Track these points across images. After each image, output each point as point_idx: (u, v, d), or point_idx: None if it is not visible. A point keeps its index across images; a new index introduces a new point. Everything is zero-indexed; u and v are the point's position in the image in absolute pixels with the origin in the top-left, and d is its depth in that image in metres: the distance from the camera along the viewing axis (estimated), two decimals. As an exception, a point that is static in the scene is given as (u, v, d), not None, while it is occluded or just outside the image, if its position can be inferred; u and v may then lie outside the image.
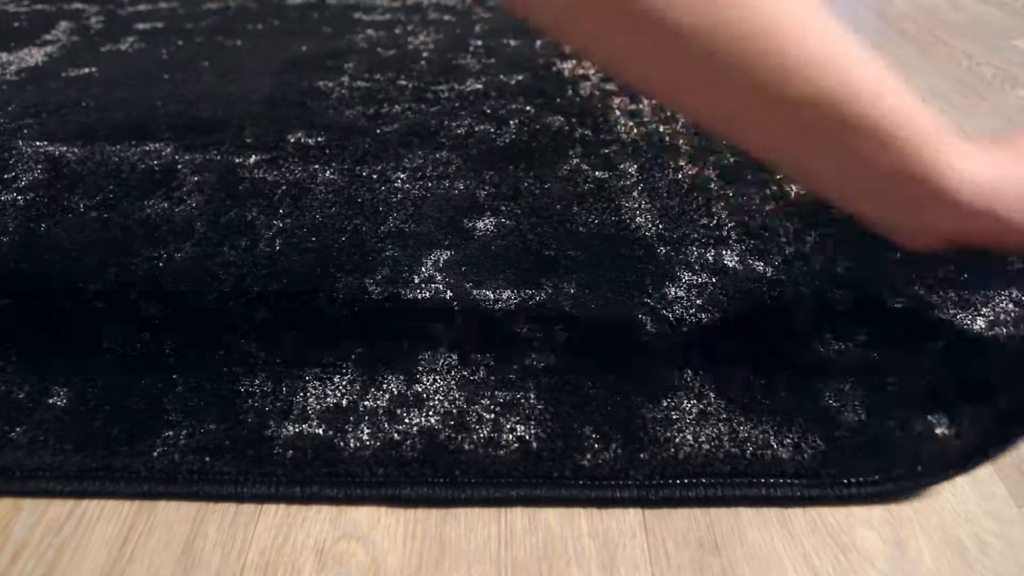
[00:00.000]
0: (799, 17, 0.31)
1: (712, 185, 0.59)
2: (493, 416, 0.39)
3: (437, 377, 0.41)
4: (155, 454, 0.37)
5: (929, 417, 0.39)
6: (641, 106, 0.72)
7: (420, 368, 0.42)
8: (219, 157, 0.62)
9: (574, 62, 0.82)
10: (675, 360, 0.42)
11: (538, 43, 0.87)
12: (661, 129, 0.67)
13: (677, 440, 0.38)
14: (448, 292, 0.47)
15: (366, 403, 0.40)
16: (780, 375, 0.41)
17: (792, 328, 0.45)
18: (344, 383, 0.41)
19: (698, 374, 0.41)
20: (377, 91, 0.74)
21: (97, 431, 0.38)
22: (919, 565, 0.33)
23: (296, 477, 0.36)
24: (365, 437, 0.38)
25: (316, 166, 0.61)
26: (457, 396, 0.40)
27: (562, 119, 0.69)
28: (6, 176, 0.59)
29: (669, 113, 0.70)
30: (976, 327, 0.45)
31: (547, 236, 0.53)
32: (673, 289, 0.48)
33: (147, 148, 0.63)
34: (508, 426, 0.38)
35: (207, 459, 0.37)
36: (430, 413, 0.39)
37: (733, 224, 0.54)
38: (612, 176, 0.60)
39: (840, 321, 0.45)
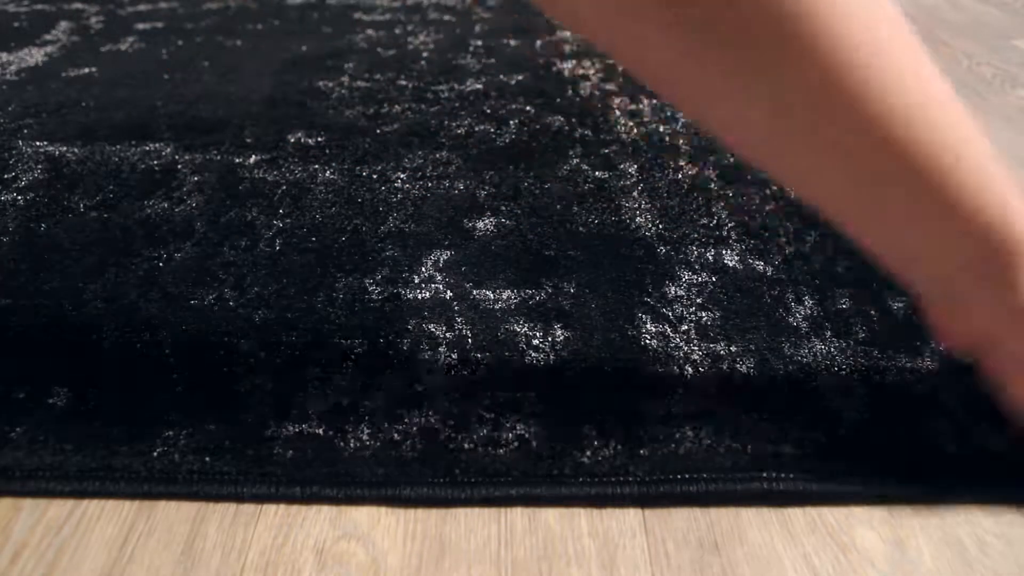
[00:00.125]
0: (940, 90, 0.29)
1: (712, 185, 0.59)
2: (493, 416, 0.39)
3: (437, 377, 0.41)
4: (155, 454, 0.37)
5: (929, 417, 0.39)
6: (641, 106, 0.72)
7: (420, 368, 0.42)
8: (219, 157, 0.62)
9: (574, 62, 0.82)
10: (675, 358, 0.42)
11: (538, 43, 0.87)
12: (661, 129, 0.67)
13: (677, 436, 0.38)
14: (448, 292, 0.47)
15: (366, 403, 0.40)
16: (781, 373, 0.41)
17: (792, 327, 0.45)
18: (344, 383, 0.41)
19: (698, 372, 0.41)
20: (377, 91, 0.74)
21: (97, 431, 0.38)
22: (919, 565, 0.33)
23: (296, 477, 0.36)
24: (365, 437, 0.38)
25: (316, 166, 0.61)
26: (457, 396, 0.40)
27: (562, 119, 0.69)
28: (6, 176, 0.59)
29: (669, 113, 0.70)
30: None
31: (547, 236, 0.53)
32: (673, 288, 0.48)
33: (147, 148, 0.63)
34: (508, 425, 0.38)
35: (207, 459, 0.37)
36: (430, 413, 0.39)
37: (733, 224, 0.54)
38: (612, 176, 0.60)
39: (841, 320, 0.45)
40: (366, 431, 0.38)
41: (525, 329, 0.44)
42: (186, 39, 0.88)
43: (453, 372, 0.41)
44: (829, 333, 0.44)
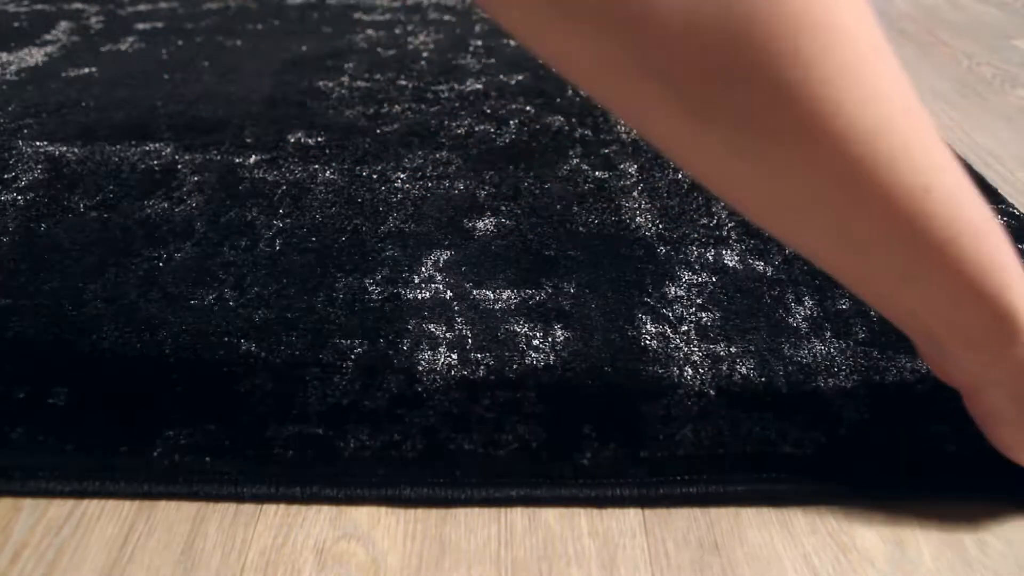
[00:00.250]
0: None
1: (712, 185, 0.59)
2: (493, 416, 0.39)
3: (437, 377, 0.41)
4: (155, 454, 0.37)
5: (929, 417, 0.39)
6: (641, 106, 0.72)
7: (420, 368, 0.42)
8: (219, 157, 0.62)
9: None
10: (675, 359, 0.42)
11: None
12: (661, 129, 0.67)
13: (677, 437, 0.38)
14: (448, 292, 0.47)
15: (366, 403, 0.40)
16: (781, 373, 0.41)
17: (792, 327, 0.45)
18: (344, 383, 0.41)
19: (698, 372, 0.41)
20: (377, 91, 0.74)
21: (97, 431, 0.38)
22: (919, 565, 0.33)
23: (296, 477, 0.36)
24: (365, 437, 0.38)
25: (316, 166, 0.61)
26: (457, 396, 0.40)
27: (562, 119, 0.69)
28: (6, 176, 0.59)
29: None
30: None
31: (547, 236, 0.53)
32: (673, 289, 0.48)
33: (147, 148, 0.63)
34: (508, 426, 0.38)
35: (207, 459, 0.36)
36: (430, 413, 0.39)
37: (733, 224, 0.54)
38: (612, 176, 0.60)
39: (841, 320, 0.45)
40: (366, 431, 0.38)
41: (525, 329, 0.44)
42: (186, 39, 0.88)
43: (453, 372, 0.41)
44: (829, 334, 0.44)
